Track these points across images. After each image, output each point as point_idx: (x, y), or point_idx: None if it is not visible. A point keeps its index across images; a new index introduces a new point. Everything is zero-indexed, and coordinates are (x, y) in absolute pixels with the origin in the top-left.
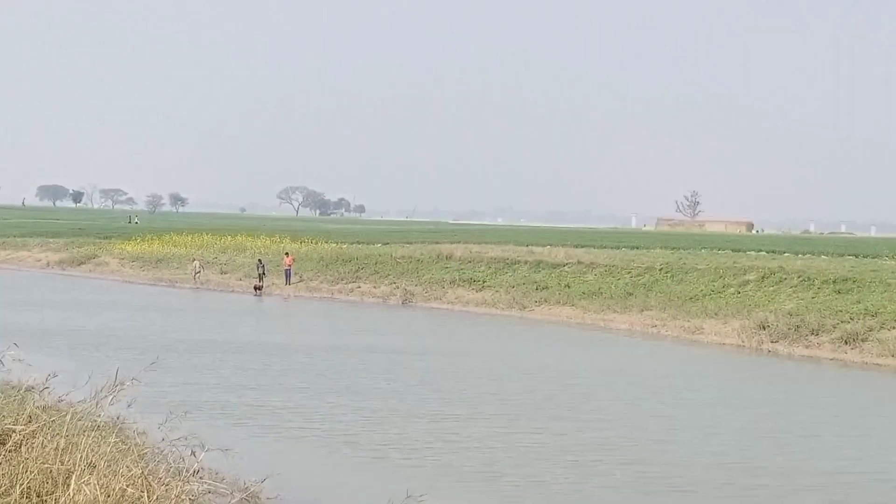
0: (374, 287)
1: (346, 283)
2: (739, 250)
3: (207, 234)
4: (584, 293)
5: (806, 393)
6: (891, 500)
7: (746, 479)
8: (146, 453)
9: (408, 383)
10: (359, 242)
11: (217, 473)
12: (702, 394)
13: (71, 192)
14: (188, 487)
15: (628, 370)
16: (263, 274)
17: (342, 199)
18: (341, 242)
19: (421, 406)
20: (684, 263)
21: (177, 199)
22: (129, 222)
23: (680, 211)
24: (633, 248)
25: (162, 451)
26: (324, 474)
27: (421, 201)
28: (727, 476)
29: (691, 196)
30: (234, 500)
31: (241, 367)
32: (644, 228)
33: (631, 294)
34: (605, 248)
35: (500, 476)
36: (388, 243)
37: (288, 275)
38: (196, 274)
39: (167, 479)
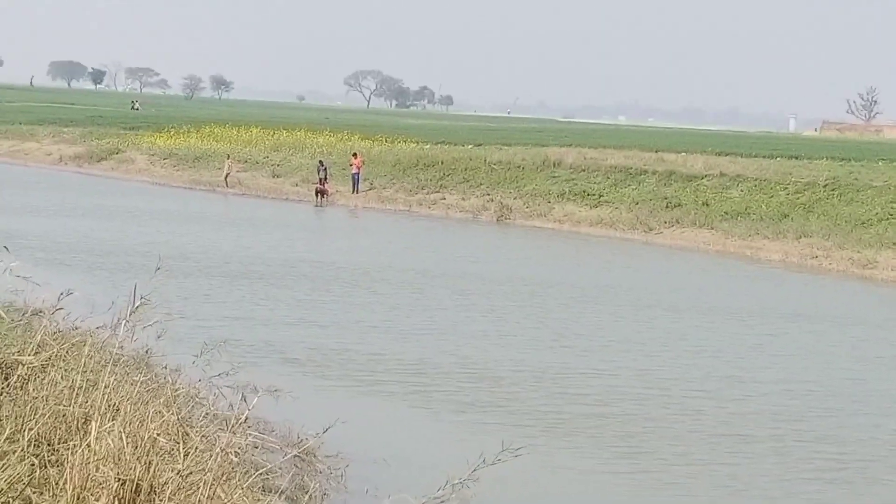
0: (463, 199)
1: (427, 194)
2: None
3: (256, 128)
4: (726, 213)
5: None
6: None
7: None
8: (180, 395)
9: (511, 323)
10: (445, 143)
11: (266, 423)
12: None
13: (90, 70)
14: (234, 440)
15: (803, 312)
16: (325, 179)
17: (424, 89)
18: (423, 142)
19: (533, 354)
20: (856, 179)
21: (220, 83)
22: (132, 108)
23: (852, 112)
24: (790, 157)
25: (199, 394)
26: (395, 429)
27: (524, 93)
28: None
29: (867, 94)
30: (286, 457)
31: (296, 298)
32: (805, 133)
33: (786, 216)
34: (754, 157)
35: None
36: (481, 145)
37: (356, 181)
38: (226, 176)
39: (207, 428)
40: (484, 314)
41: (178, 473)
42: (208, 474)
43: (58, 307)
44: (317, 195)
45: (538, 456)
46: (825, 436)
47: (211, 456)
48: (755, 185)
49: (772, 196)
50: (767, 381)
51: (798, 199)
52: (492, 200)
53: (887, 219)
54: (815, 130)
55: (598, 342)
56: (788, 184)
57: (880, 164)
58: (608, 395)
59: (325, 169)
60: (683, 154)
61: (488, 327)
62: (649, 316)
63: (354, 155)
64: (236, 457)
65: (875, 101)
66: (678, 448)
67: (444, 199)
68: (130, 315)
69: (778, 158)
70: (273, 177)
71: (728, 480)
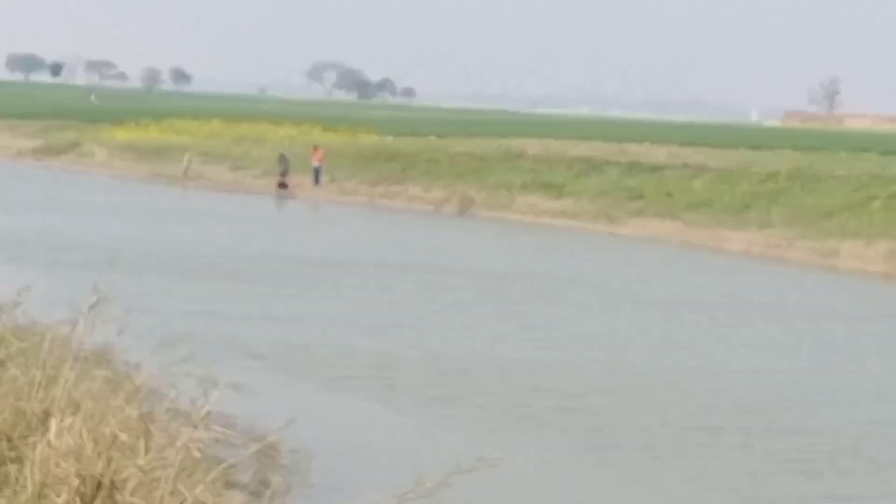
0: (425, 191)
1: (389, 186)
2: (889, 153)
3: (217, 120)
4: (689, 204)
5: None
6: None
7: None
8: (141, 390)
9: (477, 316)
10: (407, 134)
11: (228, 418)
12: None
13: (49, 63)
14: (195, 435)
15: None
16: (286, 172)
17: (386, 80)
18: (384, 134)
19: (500, 347)
20: (818, 169)
21: (179, 76)
22: (89, 100)
23: (814, 103)
24: (752, 148)
25: (160, 389)
26: (360, 423)
27: (485, 84)
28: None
29: (829, 84)
30: (249, 451)
31: (259, 293)
32: (767, 124)
33: (749, 206)
34: (717, 147)
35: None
36: (443, 136)
37: (317, 173)
38: (186, 170)
39: (168, 423)
40: (449, 307)
41: (139, 469)
42: (170, 469)
43: (16, 302)
44: (278, 188)
45: (506, 452)
46: (793, 427)
47: (173, 451)
48: (718, 176)
49: (735, 186)
50: (734, 372)
51: (761, 189)
52: (454, 192)
53: (850, 209)
54: (776, 121)
55: (565, 335)
56: (751, 174)
57: (843, 154)
58: (576, 387)
59: (287, 161)
60: (646, 145)
61: (454, 320)
62: (616, 308)
63: (315, 147)
64: (199, 452)
65: (837, 92)
66: (646, 441)
67: (407, 191)
68: (90, 310)
69: (740, 149)
70: (234, 169)
71: (696, 473)
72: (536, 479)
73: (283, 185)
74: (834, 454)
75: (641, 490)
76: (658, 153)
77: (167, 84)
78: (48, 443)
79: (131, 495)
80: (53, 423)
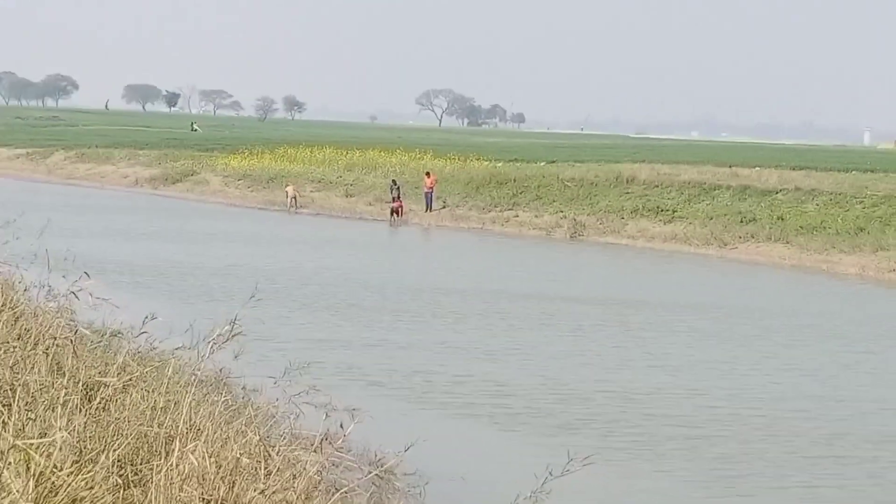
0: (536, 216)
1: (500, 211)
2: None
3: (329, 148)
4: (801, 227)
5: None
6: None
7: None
8: (260, 415)
9: (597, 343)
10: (517, 160)
11: (346, 443)
12: None
13: (164, 93)
14: (314, 458)
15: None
16: (398, 198)
17: (496, 107)
18: (495, 160)
19: (621, 374)
20: None
21: (292, 104)
22: (192, 130)
23: None
24: (866, 171)
25: (277, 413)
26: (476, 449)
27: (595, 109)
28: None
29: None
30: (366, 475)
31: (376, 319)
32: (881, 147)
33: (863, 230)
34: (830, 170)
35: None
36: (553, 161)
37: (429, 199)
38: (293, 201)
39: (287, 447)
40: (566, 334)
41: (261, 493)
42: (291, 493)
43: (140, 329)
44: (392, 214)
45: (618, 477)
46: None
47: (293, 475)
48: (830, 199)
49: (847, 210)
50: (865, 399)
51: (874, 212)
52: (565, 217)
53: None
54: (890, 143)
55: (688, 362)
56: (864, 197)
57: None
58: (700, 415)
59: (398, 188)
60: (757, 169)
61: (572, 347)
62: (738, 334)
63: (427, 174)
64: (318, 475)
65: None
66: (774, 471)
67: (518, 216)
68: (210, 337)
69: (853, 172)
70: (346, 196)
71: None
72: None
73: (396, 212)
74: None
75: None
76: (769, 177)
77: (280, 112)
78: (171, 466)
79: None
80: (176, 447)
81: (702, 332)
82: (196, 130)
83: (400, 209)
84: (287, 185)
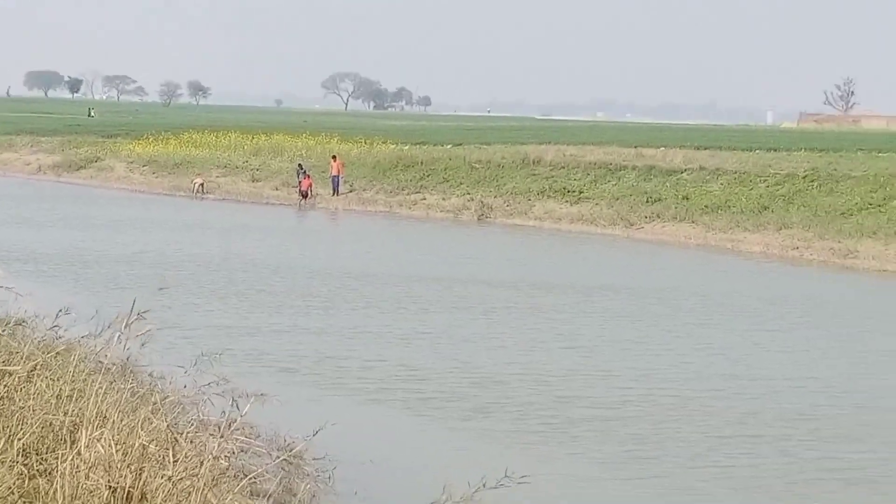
0: (443, 199)
1: (407, 195)
2: None
3: (235, 133)
4: (706, 207)
5: None
6: None
7: None
8: (168, 402)
9: (508, 326)
10: (424, 143)
11: (253, 428)
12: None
13: (67, 79)
14: (222, 445)
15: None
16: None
17: (402, 90)
18: (402, 143)
19: (533, 357)
20: (835, 170)
21: (197, 89)
22: (89, 116)
23: (829, 104)
24: (769, 150)
25: (186, 401)
26: (386, 433)
27: (501, 92)
28: None
29: (844, 85)
30: (274, 460)
31: (285, 305)
32: (783, 126)
33: (767, 208)
34: (733, 150)
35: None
36: (460, 144)
37: (336, 184)
38: (196, 191)
39: (195, 434)
40: (478, 317)
41: (168, 480)
42: (199, 480)
43: (45, 317)
44: (301, 196)
45: (533, 461)
46: (835, 435)
47: (201, 462)
48: (735, 178)
49: (752, 189)
50: (772, 378)
51: (778, 190)
52: (472, 199)
53: (867, 208)
54: (792, 123)
55: (600, 343)
56: (768, 176)
57: (859, 154)
58: (612, 397)
59: (305, 172)
60: (662, 149)
61: (484, 330)
62: (649, 314)
63: (334, 158)
64: (226, 461)
65: (852, 92)
66: (687, 451)
67: (425, 199)
68: (116, 325)
69: (757, 151)
70: (253, 181)
71: (738, 482)
72: (573, 489)
73: (305, 194)
74: (880, 461)
75: (684, 501)
76: (674, 157)
77: (184, 97)
78: (78, 455)
79: None
80: (82, 436)
81: (613, 312)
82: (92, 116)
83: (310, 188)
84: (196, 177)
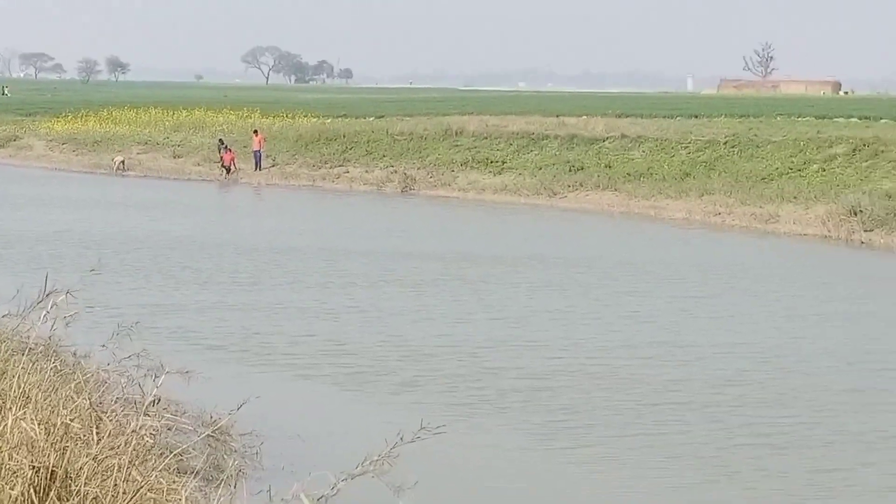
0: (367, 171)
1: (330, 168)
2: (824, 117)
3: (155, 109)
4: (629, 175)
5: None
6: None
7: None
8: (91, 381)
9: (435, 299)
10: (346, 116)
11: (179, 405)
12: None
13: None
14: (146, 422)
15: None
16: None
17: (323, 63)
18: (324, 116)
19: (461, 329)
20: (755, 135)
21: (116, 65)
22: (2, 94)
23: (749, 69)
24: (690, 116)
25: (110, 379)
26: (311, 407)
27: (422, 63)
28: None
29: (763, 51)
30: (200, 437)
31: (211, 282)
32: (703, 92)
33: (688, 175)
34: (655, 117)
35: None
36: (382, 116)
37: (258, 158)
38: (117, 168)
39: (120, 412)
40: (406, 290)
41: (93, 458)
42: (123, 458)
43: None
44: (225, 171)
45: (462, 433)
46: (763, 400)
47: (126, 440)
48: (656, 146)
49: (673, 156)
50: (700, 345)
51: (699, 157)
52: (395, 172)
53: (787, 173)
54: (712, 89)
55: (529, 313)
56: (689, 143)
57: (778, 119)
58: (541, 367)
59: (226, 147)
60: (584, 118)
61: (412, 303)
62: (576, 283)
63: (255, 132)
64: (151, 439)
65: (771, 57)
66: (618, 419)
67: (348, 172)
68: (39, 304)
69: (678, 118)
70: (174, 157)
71: (667, 450)
72: (490, 458)
73: (227, 170)
74: (806, 426)
75: (614, 468)
76: (596, 125)
77: (104, 74)
78: (1, 436)
79: (86, 484)
80: (8, 418)
81: (540, 282)
82: (6, 95)
83: (233, 162)
84: (117, 154)
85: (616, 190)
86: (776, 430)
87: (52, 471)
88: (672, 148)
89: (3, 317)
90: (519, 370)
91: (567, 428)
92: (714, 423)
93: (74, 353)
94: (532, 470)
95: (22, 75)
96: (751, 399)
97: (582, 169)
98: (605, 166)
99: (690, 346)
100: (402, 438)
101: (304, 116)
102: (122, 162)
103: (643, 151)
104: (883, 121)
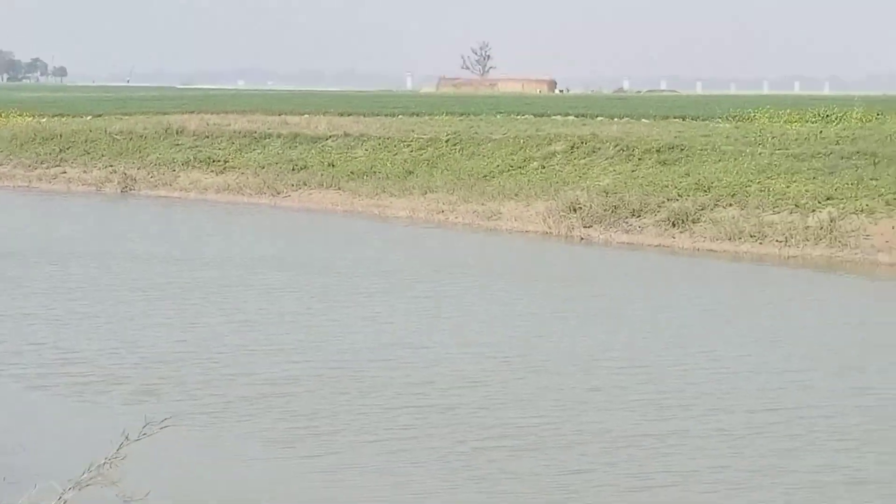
0: (85, 171)
1: (47, 168)
2: (542, 115)
3: None
4: (352, 173)
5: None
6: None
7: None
8: None
9: (168, 303)
10: (62, 115)
11: None
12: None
13: None
14: None
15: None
16: None
17: (37, 61)
18: (39, 115)
19: (191, 336)
20: (476, 133)
21: None
22: None
23: (467, 68)
24: (411, 114)
25: None
26: (40, 420)
27: (139, 61)
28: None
29: (480, 50)
30: None
31: None
32: (423, 91)
33: (411, 173)
34: (377, 115)
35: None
36: (100, 115)
37: None
38: None
39: None
40: (135, 295)
41: None
42: None
43: None
44: None
45: (200, 442)
46: (510, 401)
47: None
48: (379, 144)
49: (396, 154)
50: (445, 344)
51: (422, 155)
52: (115, 172)
53: (508, 171)
54: (431, 87)
55: (264, 317)
56: (411, 141)
57: (498, 116)
58: (281, 372)
59: None
60: (307, 116)
61: (144, 308)
62: (311, 285)
63: None
64: None
65: (489, 56)
66: (362, 423)
67: (66, 172)
68: None
69: (400, 116)
70: None
71: (411, 455)
72: (218, 459)
73: None
74: (551, 426)
75: (358, 474)
76: (319, 123)
77: None
78: None
79: None
80: None
81: (276, 284)
82: None
83: None
84: None
85: (339, 189)
86: (520, 431)
87: None
88: (395, 146)
89: None
90: (259, 376)
91: (311, 435)
92: (457, 425)
93: None
94: (273, 478)
95: None
96: (495, 399)
97: (305, 168)
98: (329, 165)
99: (434, 347)
100: (127, 437)
101: (19, 115)
102: None
103: (366, 150)
104: (599, 118)
